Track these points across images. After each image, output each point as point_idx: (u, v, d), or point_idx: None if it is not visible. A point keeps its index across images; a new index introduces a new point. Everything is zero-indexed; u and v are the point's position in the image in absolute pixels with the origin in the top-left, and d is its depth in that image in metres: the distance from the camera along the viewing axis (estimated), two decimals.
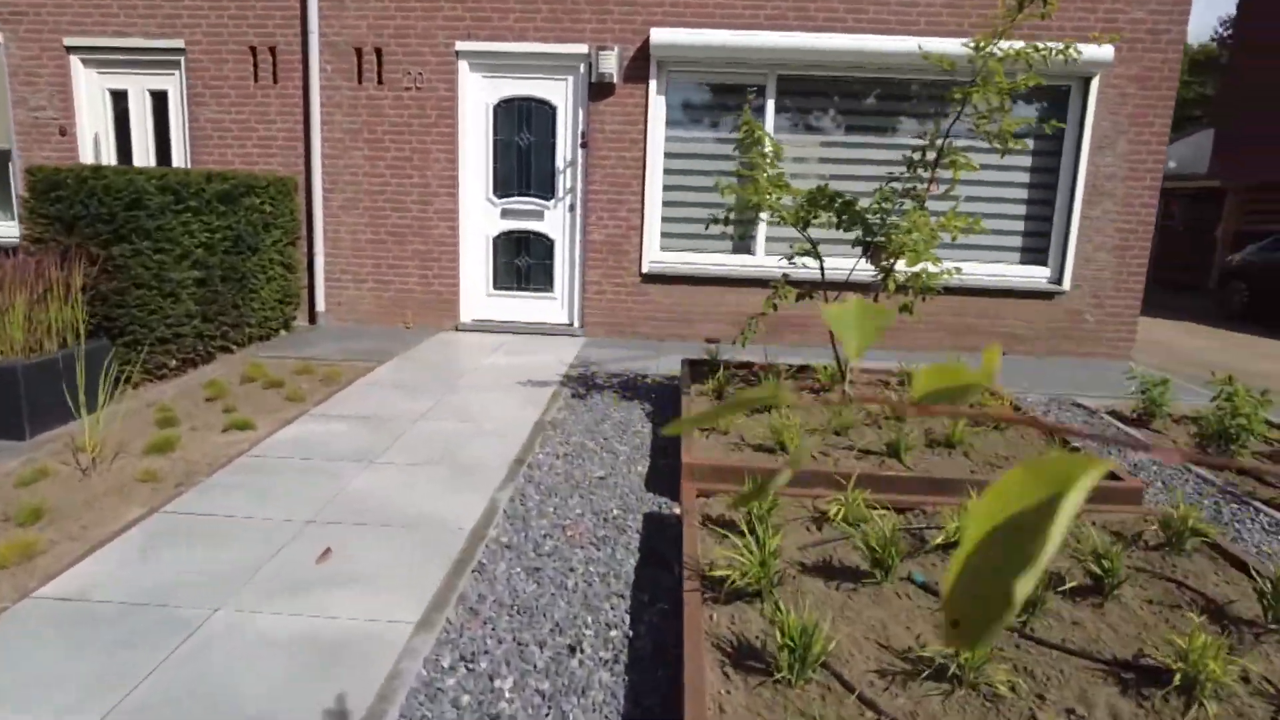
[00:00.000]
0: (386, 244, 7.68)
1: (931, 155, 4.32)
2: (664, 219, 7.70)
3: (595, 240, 7.63)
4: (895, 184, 4.87)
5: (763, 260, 7.68)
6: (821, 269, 5.18)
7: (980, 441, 4.43)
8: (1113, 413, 5.95)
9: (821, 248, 5.27)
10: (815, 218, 4.75)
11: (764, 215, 5.32)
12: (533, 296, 7.92)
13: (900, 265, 4.96)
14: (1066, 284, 7.59)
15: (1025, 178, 7.60)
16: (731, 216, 5.24)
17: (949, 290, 7.46)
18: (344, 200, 7.59)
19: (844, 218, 4.62)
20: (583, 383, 6.09)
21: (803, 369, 5.93)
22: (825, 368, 5.58)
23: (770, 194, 4.64)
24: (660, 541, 3.53)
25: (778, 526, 3.16)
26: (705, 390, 5.21)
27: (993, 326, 7.70)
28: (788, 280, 5.30)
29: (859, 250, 5.18)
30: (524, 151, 7.66)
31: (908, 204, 4.72)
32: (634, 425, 5.12)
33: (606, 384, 6.09)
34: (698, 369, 5.85)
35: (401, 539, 3.41)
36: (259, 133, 7.51)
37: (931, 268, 4.71)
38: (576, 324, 7.85)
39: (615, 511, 3.82)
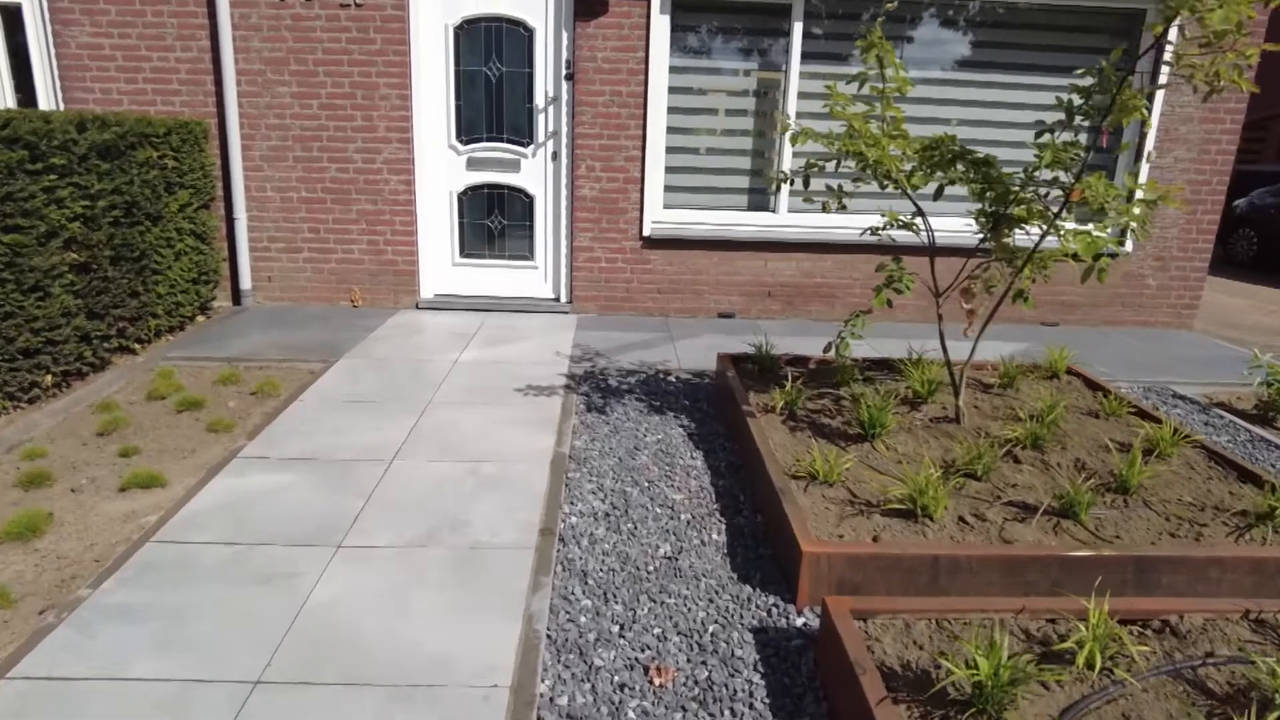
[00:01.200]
0: (325, 203, 6.18)
1: (1101, 99, 3.16)
2: (669, 169, 6.38)
3: (585, 196, 6.28)
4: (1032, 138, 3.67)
5: (785, 219, 6.46)
6: (930, 235, 4.01)
7: (1149, 478, 3.40)
8: (1222, 405, 5.03)
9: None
10: (928, 177, 3.55)
11: (843, 171, 4.11)
12: (509, 265, 6.55)
13: (1020, 237, 3.84)
14: (1129, 244, 6.61)
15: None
16: (804, 173, 3.99)
17: (989, 253, 6.41)
18: (269, 150, 6.03)
19: (973, 178, 3.43)
20: (593, 385, 4.85)
21: (878, 364, 4.80)
22: (913, 364, 4.46)
23: (885, 148, 3.41)
24: (800, 688, 2.40)
25: (1007, 688, 2.05)
26: (771, 405, 4.04)
27: (1044, 294, 6.70)
28: (893, 245, 4.10)
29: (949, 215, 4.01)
30: (494, 86, 6.19)
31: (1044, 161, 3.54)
32: (680, 455, 3.93)
33: (623, 385, 4.87)
34: (743, 368, 4.67)
35: None
36: (152, 63, 5.83)
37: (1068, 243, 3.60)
38: (563, 298, 6.55)
39: (711, 627, 2.66)
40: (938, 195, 3.47)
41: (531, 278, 6.58)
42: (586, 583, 2.88)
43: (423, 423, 4.15)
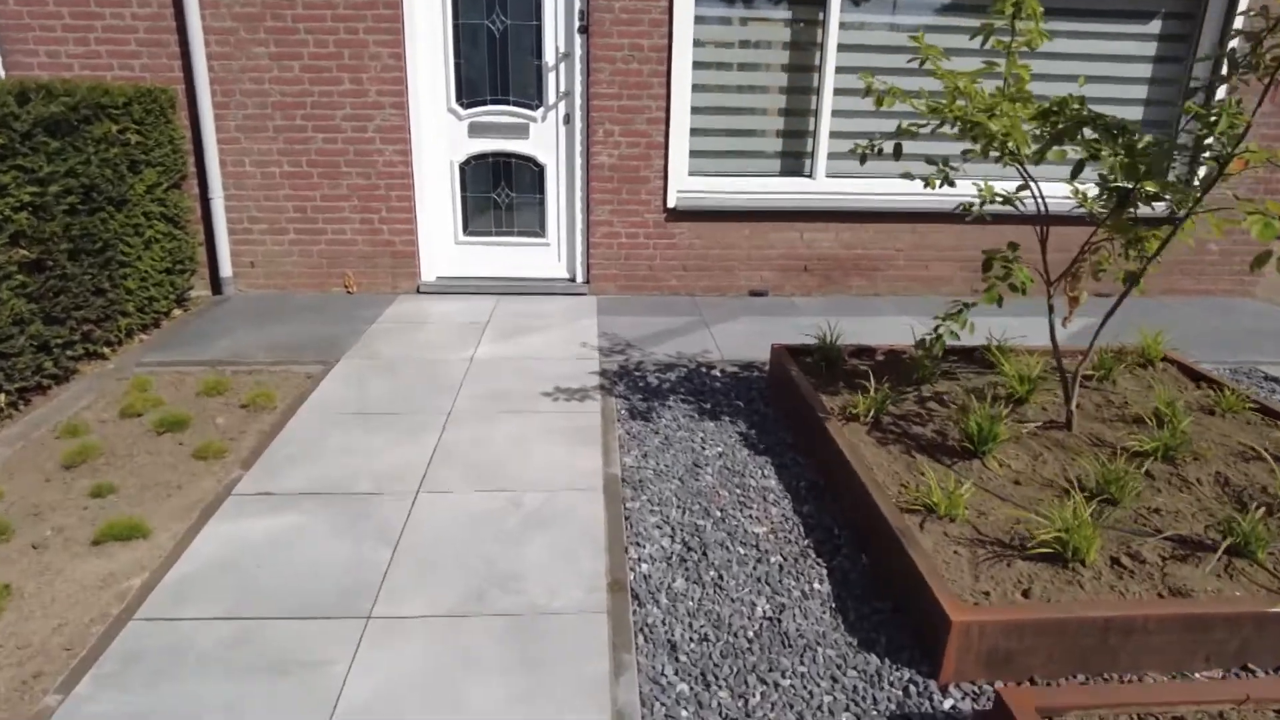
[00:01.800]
0: (312, 179, 5.50)
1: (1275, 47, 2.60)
2: (694, 131, 5.74)
3: (602, 164, 5.64)
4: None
5: (824, 185, 5.87)
6: (1042, 204, 3.46)
7: None
8: None
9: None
10: (1048, 148, 2.97)
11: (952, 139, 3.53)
12: (518, 243, 5.93)
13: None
14: None
15: (1145, 69, 5.92)
16: (869, 147, 3.40)
17: (1043, 219, 5.90)
18: (245, 120, 5.32)
19: (1101, 147, 2.86)
20: (631, 384, 4.29)
21: (957, 355, 4.26)
22: (1001, 354, 3.93)
23: (1015, 118, 2.82)
24: None
25: None
26: (852, 411, 3.51)
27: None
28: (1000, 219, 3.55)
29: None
30: (498, 41, 5.49)
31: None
32: (749, 473, 3.40)
33: (664, 384, 4.32)
34: (803, 362, 4.12)
35: None
36: (105, 21, 5.08)
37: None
38: (579, 278, 5.94)
39: (842, 716, 2.15)
40: (1076, 172, 2.89)
41: (543, 256, 5.96)
42: (677, 658, 2.36)
43: (446, 440, 3.58)
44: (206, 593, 2.55)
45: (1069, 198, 3.53)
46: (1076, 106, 2.87)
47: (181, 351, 4.55)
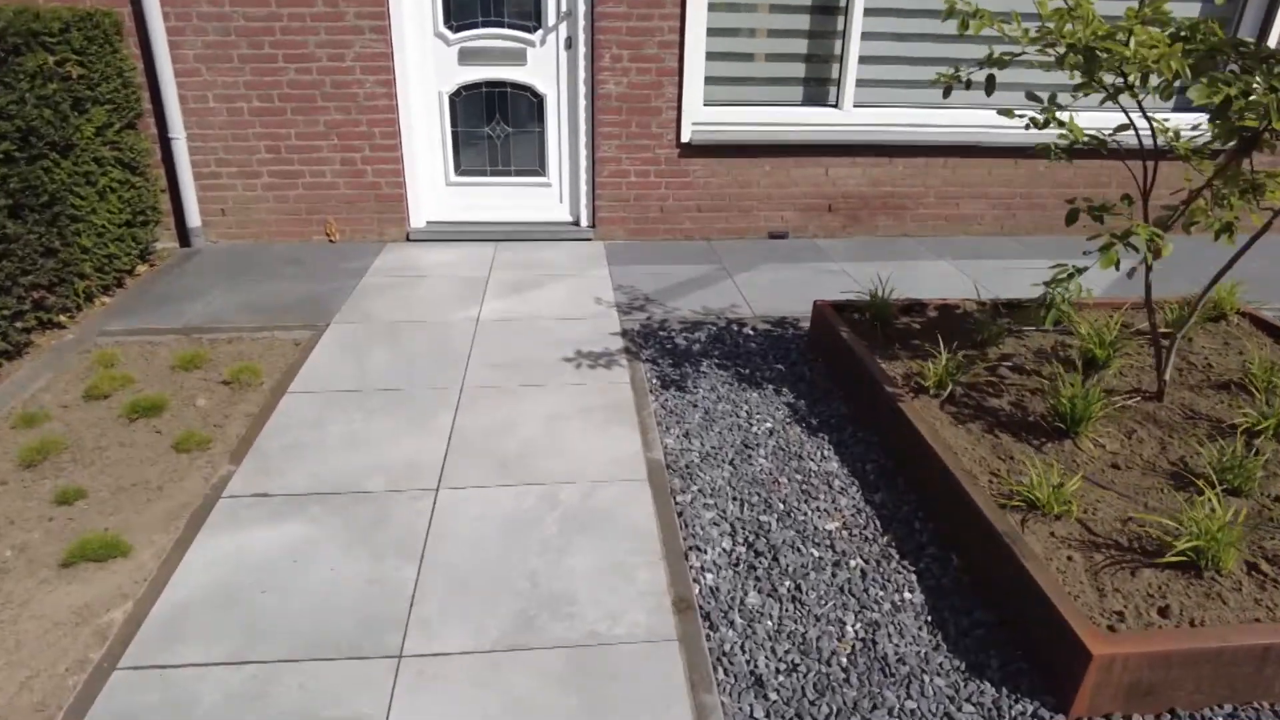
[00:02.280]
0: (284, 114, 4.89)
1: None
2: (710, 56, 5.18)
3: (609, 94, 5.08)
4: None
5: (851, 117, 5.36)
6: (1149, 142, 3.04)
7: None
8: None
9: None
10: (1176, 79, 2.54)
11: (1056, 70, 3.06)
12: (516, 184, 5.39)
13: None
14: None
15: None
16: (953, 77, 2.93)
17: (1076, 153, 5.48)
18: (206, 48, 4.67)
19: (1251, 79, 2.43)
20: (659, 348, 3.88)
21: (1015, 309, 3.89)
22: (1071, 310, 3.56)
23: (1162, 44, 2.37)
24: None
25: None
26: (919, 381, 3.14)
27: (1111, 199, 5.79)
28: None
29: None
30: None
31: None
32: (808, 454, 3.04)
33: (694, 345, 3.91)
34: (850, 319, 3.73)
35: None
36: None
37: None
38: (584, 221, 5.44)
39: None
40: (1220, 112, 2.45)
41: (544, 197, 5.44)
42: (766, 696, 2.03)
43: (462, 423, 3.17)
44: (205, 628, 2.17)
45: (1148, 134, 3.10)
46: (1213, 32, 2.42)
47: (150, 317, 4.05)
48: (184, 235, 5.01)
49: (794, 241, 5.53)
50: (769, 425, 3.24)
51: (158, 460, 2.92)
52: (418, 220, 5.32)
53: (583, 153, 5.26)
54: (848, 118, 5.35)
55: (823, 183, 5.47)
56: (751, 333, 4.09)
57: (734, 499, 2.78)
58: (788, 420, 3.28)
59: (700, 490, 2.82)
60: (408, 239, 5.29)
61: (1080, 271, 2.91)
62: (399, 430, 3.09)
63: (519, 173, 5.37)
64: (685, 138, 5.21)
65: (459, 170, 5.32)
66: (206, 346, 3.78)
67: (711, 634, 2.21)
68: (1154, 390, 3.10)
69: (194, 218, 4.96)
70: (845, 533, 2.63)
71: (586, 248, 5.28)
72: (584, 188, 5.35)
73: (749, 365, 3.74)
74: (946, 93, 2.87)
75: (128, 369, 3.55)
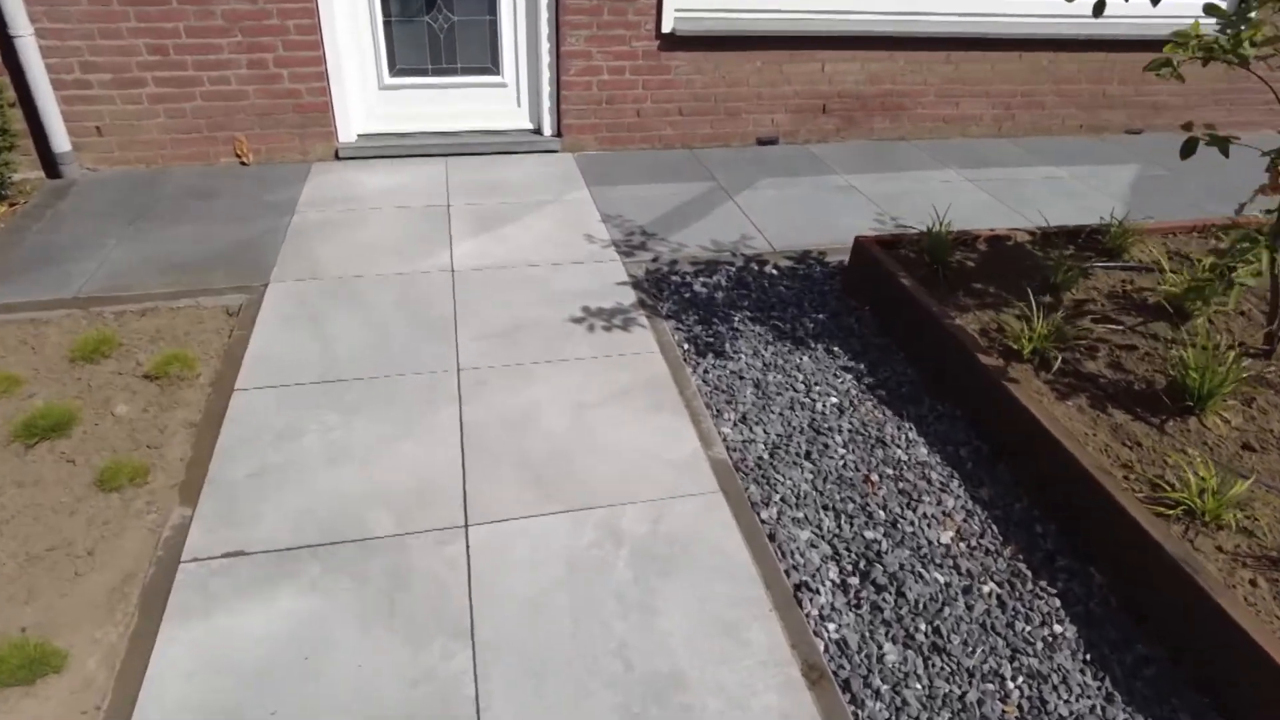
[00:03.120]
0: (169, 6, 3.83)
1: None
2: None
3: None
4: None
5: (854, 3, 4.67)
6: None
7: None
8: None
9: None
10: None
11: None
12: (464, 84, 4.51)
13: None
14: None
15: None
16: None
17: (1082, 45, 5.03)
18: None
19: None
20: (677, 298, 3.30)
21: (1069, 238, 3.47)
22: (1124, 236, 3.16)
23: None
24: None
25: None
26: (1011, 342, 2.70)
27: (1128, 95, 5.41)
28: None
29: None
30: None
31: None
32: (890, 439, 2.59)
33: (715, 294, 3.34)
34: (898, 257, 3.22)
35: None
36: None
37: None
38: (547, 129, 4.65)
39: None
40: None
41: (499, 101, 4.60)
42: None
43: (471, 418, 2.55)
44: None
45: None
46: None
47: (26, 283, 3.15)
48: (50, 163, 3.96)
49: (785, 148, 4.91)
50: (834, 400, 2.77)
51: (78, 506, 2.21)
52: (347, 134, 4.40)
53: (544, 46, 4.41)
54: (850, 3, 4.65)
55: (819, 80, 4.82)
56: (775, 273, 3.54)
57: (825, 508, 2.33)
58: (853, 392, 2.81)
59: (784, 500, 2.35)
60: (337, 157, 4.39)
61: (1259, 240, 2.42)
62: (394, 435, 2.46)
63: (468, 70, 4.48)
64: (667, 27, 4.42)
65: (394, 70, 4.39)
66: (112, 324, 2.96)
67: (859, 712, 1.80)
68: (1261, 346, 2.77)
69: (61, 140, 3.91)
70: (962, 544, 2.23)
71: (555, 163, 4.52)
72: (546, 89, 4.53)
73: (785, 317, 3.22)
74: None
75: (7, 363, 2.73)
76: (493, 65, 4.49)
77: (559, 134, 4.64)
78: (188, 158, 4.20)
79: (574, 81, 4.48)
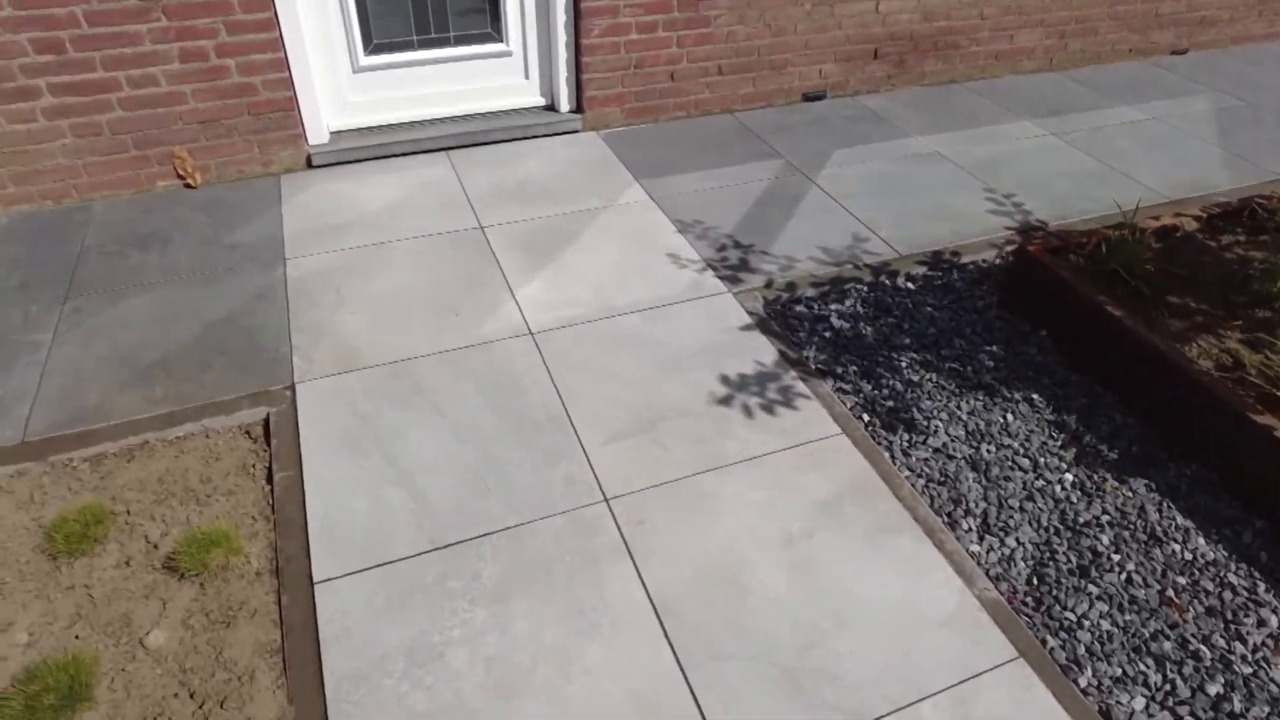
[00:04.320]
0: None
1: None
2: None
3: None
4: None
5: None
6: None
7: None
8: None
9: None
10: None
11: None
12: (459, 56, 3.57)
13: None
14: None
15: None
16: None
17: None
18: None
19: None
20: (817, 340, 2.63)
21: (1230, 219, 2.97)
22: None
23: None
24: None
25: None
26: (1268, 384, 2.19)
27: (1186, 11, 4.90)
28: None
29: None
30: None
31: None
32: (1163, 533, 2.07)
33: (861, 326, 2.70)
34: (1066, 263, 2.63)
35: None
36: None
37: None
38: (564, 105, 3.78)
39: None
40: None
41: (502, 74, 3.69)
42: None
43: (658, 586, 1.87)
44: None
45: None
46: None
47: None
48: None
49: (834, 104, 4.20)
50: (1070, 477, 2.22)
51: None
52: (318, 134, 3.43)
53: (559, 3, 3.50)
54: None
55: (871, 22, 4.08)
56: (911, 286, 2.92)
57: (1138, 651, 1.81)
58: (1085, 462, 2.27)
59: (1090, 651, 1.82)
60: (309, 165, 3.43)
61: None
62: (570, 636, 1.77)
63: (463, 40, 3.54)
64: None
65: (371, 47, 3.41)
66: (91, 480, 2.10)
67: None
68: None
69: None
70: None
71: (580, 146, 3.69)
72: (562, 54, 3.64)
73: (955, 353, 2.63)
74: None
75: None
76: (494, 30, 3.56)
77: (578, 109, 3.79)
78: (112, 185, 3.17)
79: (597, 45, 3.61)
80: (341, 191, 3.29)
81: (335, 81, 3.42)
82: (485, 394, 2.35)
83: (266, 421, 2.27)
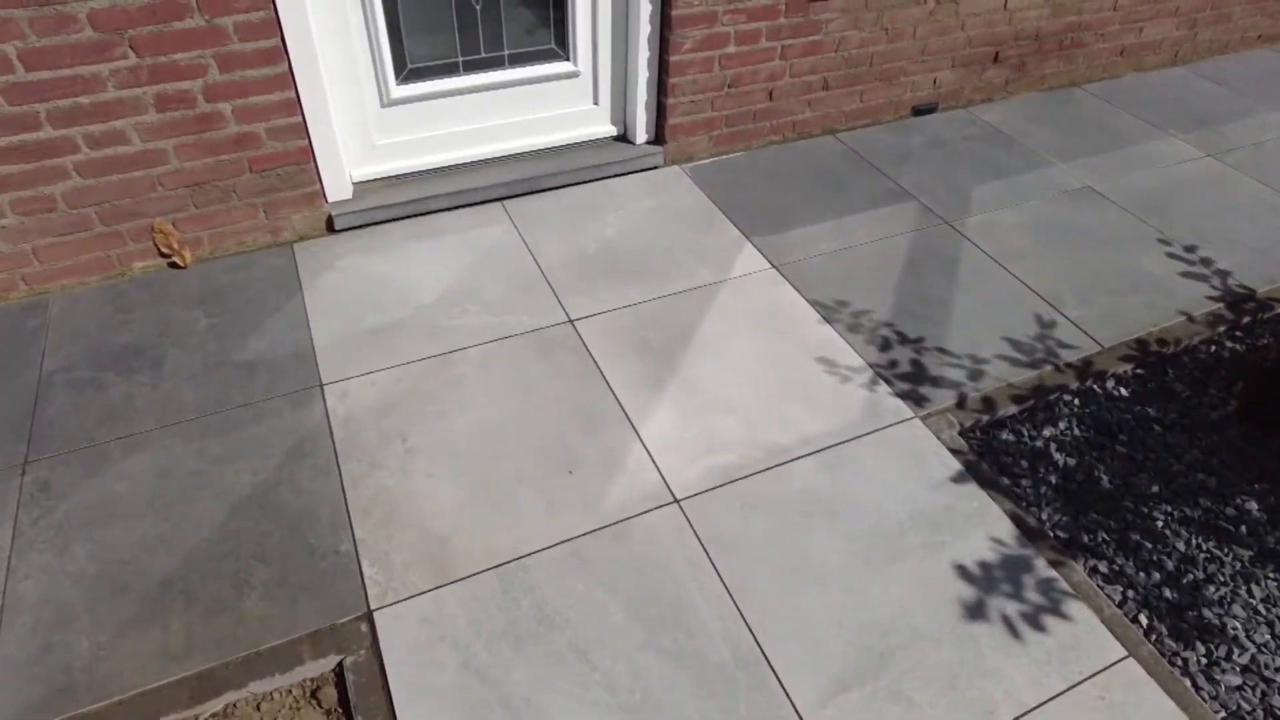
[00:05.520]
0: (14, 20, 1.93)
1: None
2: None
3: None
4: None
5: None
6: None
7: None
8: None
9: None
10: None
11: None
12: (513, 80, 2.79)
13: None
14: None
15: None
16: None
17: None
18: None
19: None
20: (1049, 491, 2.00)
21: None
22: None
23: None
24: None
25: None
26: None
27: None
28: None
29: None
30: None
31: None
32: None
33: (1097, 473, 2.07)
34: None
35: None
36: None
37: None
38: (640, 134, 3.03)
39: None
40: None
41: (567, 99, 2.92)
42: None
43: None
44: None
45: None
46: None
47: None
48: None
49: (948, 117, 3.52)
50: None
51: None
52: (339, 187, 2.66)
53: (643, 11, 2.73)
54: None
55: (997, 20, 3.38)
56: (1126, 394, 2.30)
57: None
58: None
59: None
60: (331, 229, 2.67)
61: None
62: None
63: (520, 59, 2.77)
64: None
65: (405, 74, 2.63)
66: None
67: None
68: None
69: None
70: None
71: (666, 188, 2.97)
72: (642, 74, 2.89)
73: (1215, 506, 2.02)
74: None
75: None
76: (558, 46, 2.79)
77: (658, 139, 3.05)
78: (74, 272, 2.39)
79: (687, 62, 2.86)
80: (377, 269, 2.54)
81: (361, 119, 2.63)
82: (640, 619, 1.69)
83: (340, 676, 1.59)
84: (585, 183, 2.96)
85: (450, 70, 2.68)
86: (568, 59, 2.83)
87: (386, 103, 2.64)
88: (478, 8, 2.60)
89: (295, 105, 2.40)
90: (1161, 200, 3.07)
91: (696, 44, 2.83)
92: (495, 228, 2.74)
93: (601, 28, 2.78)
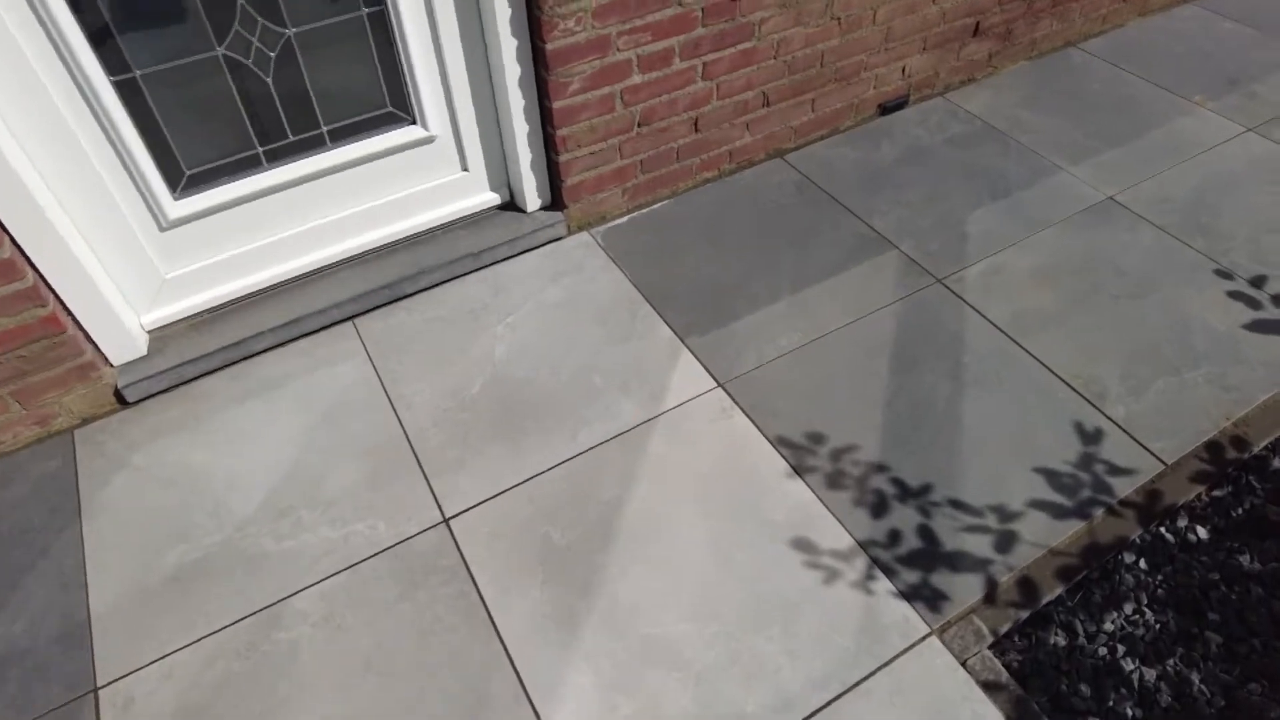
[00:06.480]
0: None
1: None
2: None
3: None
4: None
5: None
6: None
7: None
8: None
9: None
10: None
11: None
12: (342, 163, 2.04)
13: None
14: None
15: None
16: None
17: None
18: None
19: None
20: None
21: None
22: None
23: None
24: None
25: None
26: None
27: None
28: None
29: None
30: None
31: None
32: None
33: (1205, 698, 1.50)
34: None
35: None
36: None
37: None
38: (531, 199, 2.31)
39: None
40: None
41: (424, 170, 2.19)
42: None
43: None
44: None
45: None
46: None
47: None
48: None
49: (923, 111, 2.80)
50: None
51: None
52: (125, 345, 1.95)
53: (504, 50, 1.98)
54: None
55: None
56: (1206, 536, 1.70)
57: None
58: None
59: None
60: (122, 401, 1.96)
61: None
62: None
63: (343, 134, 2.03)
64: None
65: (184, 182, 1.88)
66: None
67: None
68: None
69: None
70: None
71: (573, 268, 2.27)
72: (520, 129, 2.15)
73: None
74: None
75: None
76: (397, 108, 2.05)
77: (556, 203, 2.34)
78: None
79: (579, 105, 2.12)
80: (186, 460, 1.86)
81: (136, 251, 1.91)
82: None
83: None
84: (466, 274, 2.26)
85: (248, 166, 1.94)
86: (414, 122, 2.09)
87: (166, 225, 1.91)
88: (269, 80, 1.85)
89: (16, 265, 1.67)
90: (1204, 207, 2.42)
91: (587, 81, 2.09)
92: (343, 365, 2.05)
93: (454, 77, 2.04)
